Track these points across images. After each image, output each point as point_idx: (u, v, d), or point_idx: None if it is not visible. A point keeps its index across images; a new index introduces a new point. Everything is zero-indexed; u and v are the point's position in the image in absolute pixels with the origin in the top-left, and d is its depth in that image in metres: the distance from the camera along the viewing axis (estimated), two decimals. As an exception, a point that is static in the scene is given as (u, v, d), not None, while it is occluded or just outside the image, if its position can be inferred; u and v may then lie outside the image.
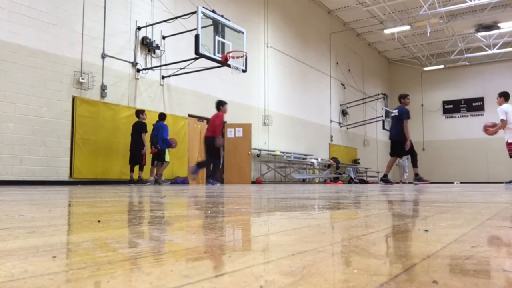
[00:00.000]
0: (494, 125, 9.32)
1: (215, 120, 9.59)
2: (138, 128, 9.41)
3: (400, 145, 9.54)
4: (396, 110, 9.73)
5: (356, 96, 21.91)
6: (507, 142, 9.12)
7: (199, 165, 9.82)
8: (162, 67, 11.00)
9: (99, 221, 1.38)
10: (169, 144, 9.78)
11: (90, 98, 9.24)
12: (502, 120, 8.98)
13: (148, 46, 10.58)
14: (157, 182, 9.81)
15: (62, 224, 1.39)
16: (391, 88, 27.08)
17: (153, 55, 10.82)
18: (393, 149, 9.84)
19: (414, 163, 9.66)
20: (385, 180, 9.92)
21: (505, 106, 9.13)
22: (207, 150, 9.60)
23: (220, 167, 10.37)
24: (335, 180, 17.25)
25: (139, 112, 9.51)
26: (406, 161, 18.71)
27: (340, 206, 2.27)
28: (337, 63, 20.42)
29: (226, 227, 1.27)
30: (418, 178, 9.58)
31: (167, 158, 9.85)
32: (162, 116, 9.89)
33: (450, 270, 0.67)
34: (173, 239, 0.99)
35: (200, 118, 12.30)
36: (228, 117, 13.26)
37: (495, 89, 24.56)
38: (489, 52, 22.90)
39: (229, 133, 13.04)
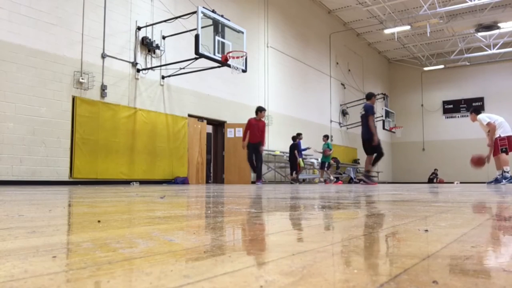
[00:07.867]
0: (480, 158, 9.50)
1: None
2: (293, 148, 13.75)
3: (369, 143, 9.61)
4: (363, 109, 9.85)
5: (356, 96, 21.90)
6: (498, 137, 9.30)
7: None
8: (162, 67, 11.00)
9: (99, 221, 1.38)
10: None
11: (90, 98, 9.24)
12: (489, 124, 9.41)
13: (148, 46, 10.57)
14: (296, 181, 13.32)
15: (62, 224, 1.39)
16: (391, 88, 27.08)
17: (153, 55, 10.81)
18: (365, 148, 9.90)
19: (374, 162, 9.72)
20: (366, 176, 9.92)
21: (483, 115, 9.68)
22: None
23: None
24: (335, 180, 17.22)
25: (295, 137, 13.71)
26: None
27: (340, 206, 2.28)
28: (337, 63, 20.41)
29: (226, 227, 1.27)
30: (367, 177, 9.72)
31: (301, 164, 13.52)
32: (294, 138, 13.81)
33: (450, 270, 0.67)
34: (173, 239, 0.99)
35: (200, 118, 12.29)
36: (228, 117, 13.28)
37: (495, 89, 24.55)
38: (489, 52, 22.89)
39: (229, 133, 13.02)
